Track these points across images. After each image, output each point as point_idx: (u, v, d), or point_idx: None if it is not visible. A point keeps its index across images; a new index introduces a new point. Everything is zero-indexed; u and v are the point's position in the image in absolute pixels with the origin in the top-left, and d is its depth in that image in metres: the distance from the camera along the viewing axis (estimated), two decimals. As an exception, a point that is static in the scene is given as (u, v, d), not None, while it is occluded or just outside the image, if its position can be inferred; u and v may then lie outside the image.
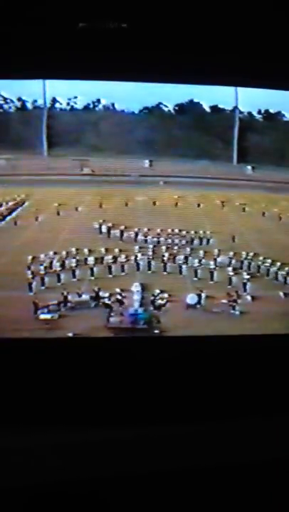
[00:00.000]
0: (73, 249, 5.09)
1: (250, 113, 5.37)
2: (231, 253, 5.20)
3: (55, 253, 5.06)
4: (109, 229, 5.52)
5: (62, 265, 4.96)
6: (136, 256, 5.12)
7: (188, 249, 5.35)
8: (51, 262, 4.97)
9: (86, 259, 5.06)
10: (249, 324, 4.36)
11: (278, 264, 5.00)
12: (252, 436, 3.20)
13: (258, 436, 3.19)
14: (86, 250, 5.11)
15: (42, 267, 4.83)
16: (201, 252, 5.30)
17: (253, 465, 3.07)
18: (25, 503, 2.92)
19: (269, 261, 5.11)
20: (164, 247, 5.31)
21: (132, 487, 3.01)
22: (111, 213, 5.53)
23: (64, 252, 5.07)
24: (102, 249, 5.20)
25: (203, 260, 5.18)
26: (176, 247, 5.35)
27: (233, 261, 5.13)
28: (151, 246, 5.30)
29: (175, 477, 3.01)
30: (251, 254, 5.22)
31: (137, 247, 5.25)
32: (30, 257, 4.81)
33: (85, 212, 5.67)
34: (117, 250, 5.21)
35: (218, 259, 5.14)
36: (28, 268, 4.71)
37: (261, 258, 5.16)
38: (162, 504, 3.02)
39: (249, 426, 3.20)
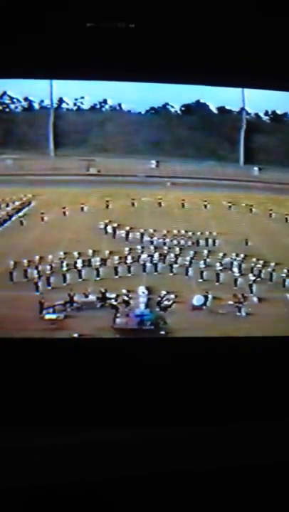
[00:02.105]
0: (78, 251, 5.06)
1: (257, 114, 5.36)
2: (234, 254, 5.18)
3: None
4: (114, 229, 5.51)
5: (68, 265, 4.93)
6: (140, 257, 5.11)
7: (193, 250, 5.33)
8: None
9: (89, 260, 5.03)
10: (255, 326, 4.33)
11: (272, 264, 4.99)
12: (260, 438, 3.17)
13: (265, 439, 3.17)
14: (83, 251, 5.08)
15: (48, 267, 4.81)
16: (206, 253, 5.28)
17: (260, 468, 3.06)
18: (27, 504, 2.91)
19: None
20: (170, 248, 5.29)
21: (136, 489, 2.99)
22: (117, 214, 5.53)
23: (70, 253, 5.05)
24: (107, 250, 5.17)
25: (209, 260, 5.16)
26: (182, 248, 5.33)
27: (240, 262, 5.11)
28: (157, 247, 5.28)
29: (184, 479, 2.99)
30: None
31: (142, 248, 5.23)
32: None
33: (91, 212, 5.67)
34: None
35: (224, 261, 5.12)
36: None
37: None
38: (164, 506, 3.00)
39: (259, 428, 3.17)
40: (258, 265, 5.06)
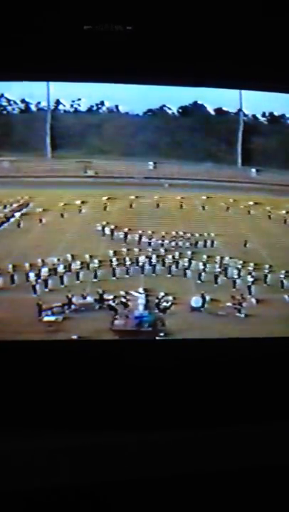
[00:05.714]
0: (76, 252, 5.05)
1: (254, 116, 5.35)
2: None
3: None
4: (112, 231, 5.51)
5: (66, 267, 4.92)
6: (138, 258, 5.10)
7: (191, 252, 5.32)
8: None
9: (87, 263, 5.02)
10: (255, 327, 4.33)
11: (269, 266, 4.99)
12: (261, 441, 3.17)
13: (266, 442, 3.16)
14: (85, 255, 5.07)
15: (46, 269, 4.79)
16: (205, 256, 5.27)
17: (261, 471, 3.05)
18: (26, 507, 2.90)
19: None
20: (168, 250, 5.29)
21: (137, 492, 2.99)
22: (115, 215, 5.52)
23: (68, 255, 5.03)
24: (106, 251, 5.17)
25: (208, 264, 5.15)
26: (180, 250, 5.32)
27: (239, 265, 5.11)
28: (155, 248, 5.28)
29: (184, 482, 2.98)
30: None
31: (140, 250, 5.22)
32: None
33: (88, 214, 5.66)
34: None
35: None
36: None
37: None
38: (164, 509, 2.99)
39: (260, 431, 3.17)
40: (256, 267, 5.06)
